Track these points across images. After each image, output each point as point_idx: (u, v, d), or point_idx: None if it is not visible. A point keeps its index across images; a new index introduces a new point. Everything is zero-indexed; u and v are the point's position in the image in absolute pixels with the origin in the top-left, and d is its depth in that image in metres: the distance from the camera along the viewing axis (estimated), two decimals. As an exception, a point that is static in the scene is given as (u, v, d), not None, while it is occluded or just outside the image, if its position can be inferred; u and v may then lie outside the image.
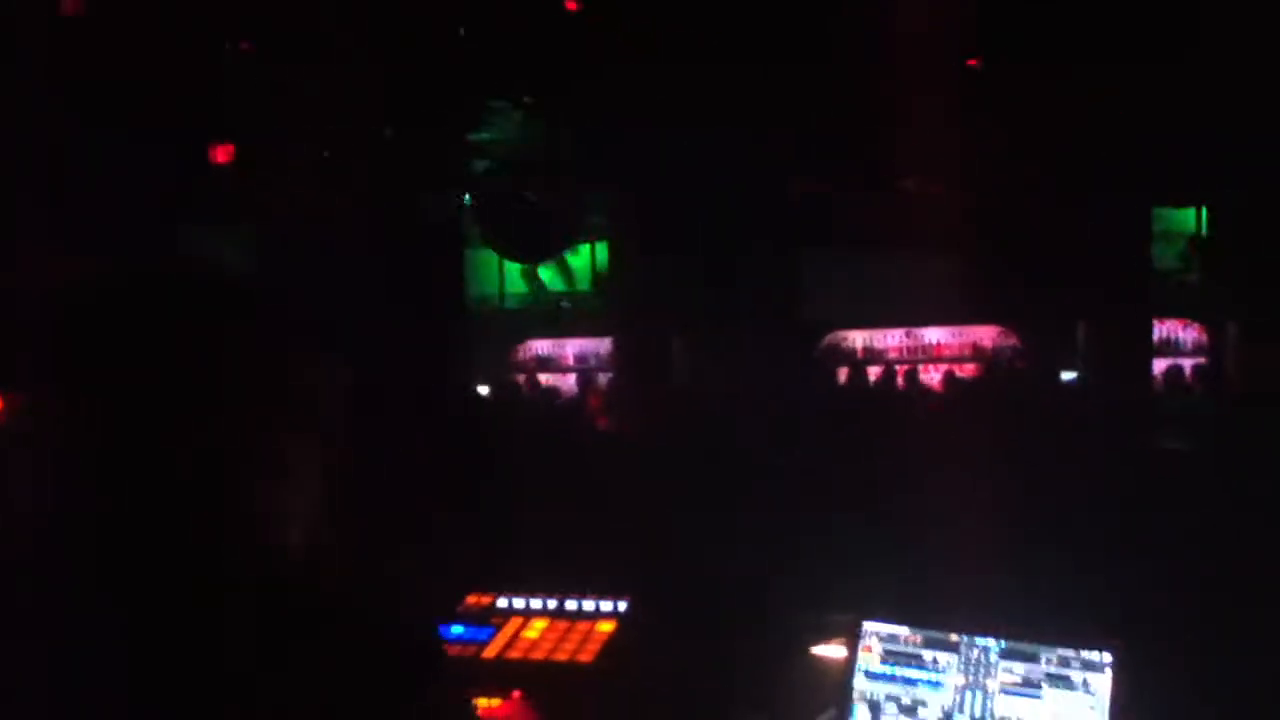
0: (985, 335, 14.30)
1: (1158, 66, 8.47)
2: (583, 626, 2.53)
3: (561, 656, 2.43)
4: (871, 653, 2.31)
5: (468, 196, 10.92)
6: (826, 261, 13.15)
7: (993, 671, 2.20)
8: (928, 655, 2.26)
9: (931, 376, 13.62)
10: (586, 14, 8.02)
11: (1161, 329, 13.67)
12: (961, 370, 13.42)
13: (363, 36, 7.80)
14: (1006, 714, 2.16)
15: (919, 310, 13.93)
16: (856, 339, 14.56)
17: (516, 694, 2.29)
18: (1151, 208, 13.04)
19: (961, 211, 10.98)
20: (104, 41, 7.01)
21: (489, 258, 14.05)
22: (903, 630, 2.30)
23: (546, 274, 15.70)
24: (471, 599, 2.70)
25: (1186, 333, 14.07)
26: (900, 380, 11.88)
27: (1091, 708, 2.09)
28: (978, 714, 2.18)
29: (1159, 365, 12.47)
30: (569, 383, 14.10)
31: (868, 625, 2.33)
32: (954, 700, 2.21)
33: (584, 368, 14.50)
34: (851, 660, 2.31)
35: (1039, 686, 2.15)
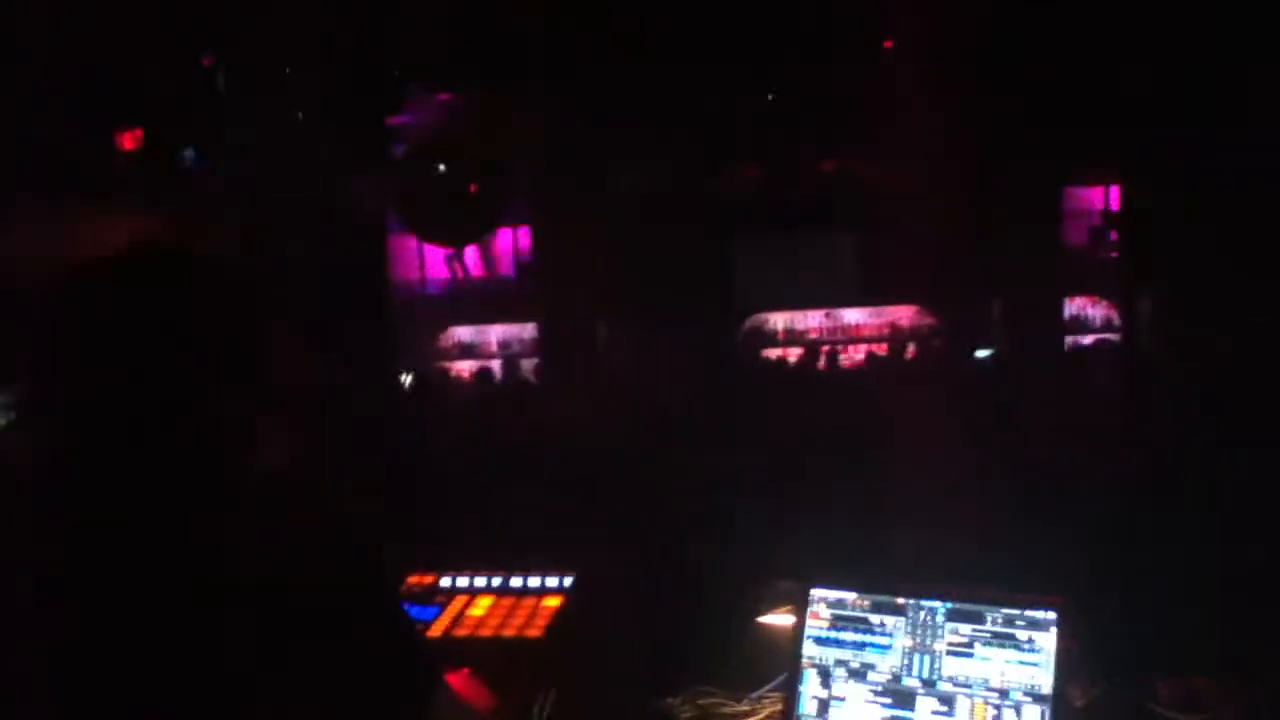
0: (903, 315, 14.53)
1: (1066, 46, 8.67)
2: (529, 602, 2.50)
3: (509, 633, 2.41)
4: (819, 618, 2.32)
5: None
6: (750, 245, 13.24)
7: (940, 633, 2.23)
8: (875, 619, 2.28)
9: (851, 356, 13.81)
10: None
11: (1072, 306, 14.04)
12: (881, 350, 13.63)
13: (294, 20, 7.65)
14: (954, 674, 2.19)
15: (838, 291, 14.10)
16: (778, 320, 14.69)
17: (465, 670, 2.26)
18: (1063, 187, 13.39)
19: (879, 192, 11.12)
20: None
21: (409, 242, 13.86)
22: (849, 595, 2.32)
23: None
24: (413, 579, 2.65)
25: (1096, 310, 14.47)
26: (822, 361, 12.02)
27: (1038, 665, 2.12)
28: (926, 675, 2.21)
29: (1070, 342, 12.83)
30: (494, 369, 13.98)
31: (815, 591, 2.34)
32: (902, 662, 2.24)
33: (508, 354, 14.40)
34: (800, 627, 2.32)
35: (986, 646, 2.18)
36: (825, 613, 2.32)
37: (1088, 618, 2.08)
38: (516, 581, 2.58)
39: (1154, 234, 10.38)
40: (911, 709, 2.19)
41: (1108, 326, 14.19)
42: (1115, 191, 13.22)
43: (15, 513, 1.18)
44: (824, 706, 2.25)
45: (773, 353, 13.53)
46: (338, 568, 1.18)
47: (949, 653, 2.21)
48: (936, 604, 2.24)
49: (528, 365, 13.61)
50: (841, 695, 2.26)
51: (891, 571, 2.32)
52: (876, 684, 2.24)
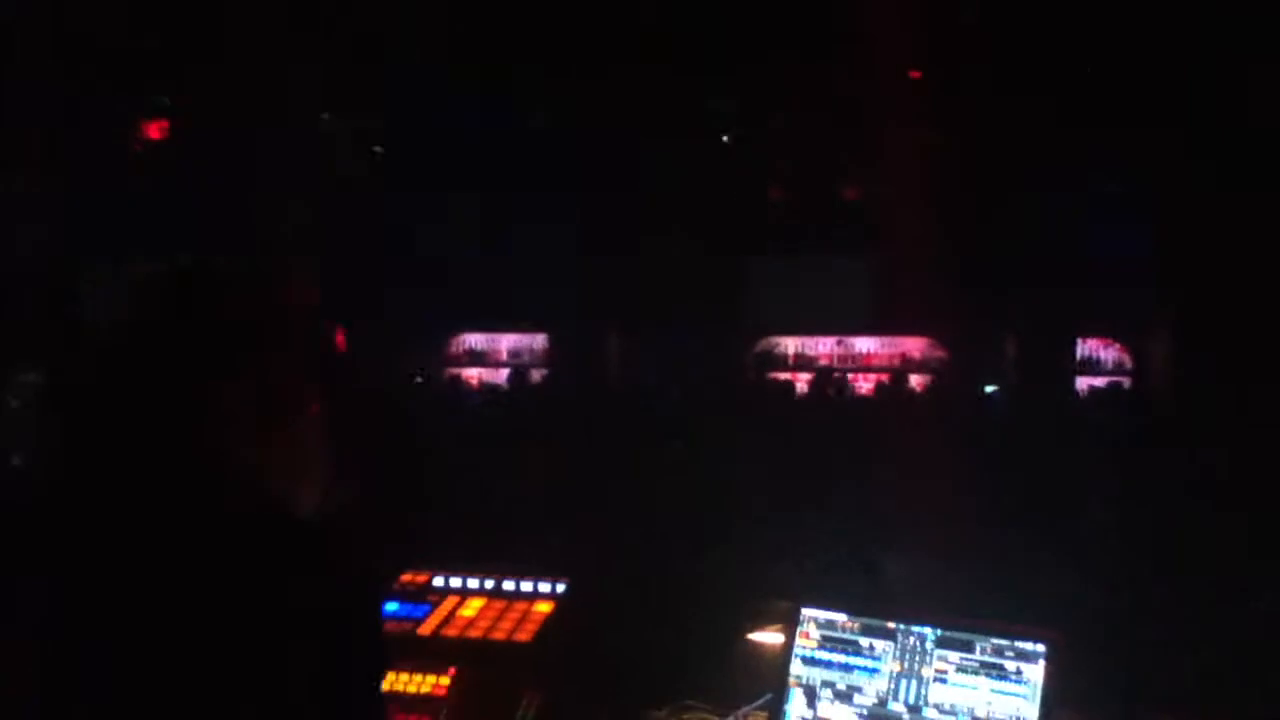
0: (915, 347, 14.50)
1: (1089, 89, 8.69)
2: (520, 606, 2.50)
3: (499, 635, 2.41)
4: (809, 638, 2.32)
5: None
6: (765, 267, 13.26)
7: (928, 659, 2.22)
8: (864, 642, 2.28)
9: (860, 385, 13.78)
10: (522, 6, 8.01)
11: (1084, 348, 13.98)
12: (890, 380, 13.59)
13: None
14: (941, 701, 2.18)
15: (851, 319, 14.08)
16: (789, 344, 14.67)
17: (452, 671, 2.26)
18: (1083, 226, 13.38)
19: (897, 224, 11.14)
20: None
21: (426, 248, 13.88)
22: (840, 617, 2.31)
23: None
24: (406, 576, 2.66)
25: (1108, 352, 14.41)
26: (829, 388, 12.00)
27: (1024, 696, 2.12)
28: (912, 700, 2.20)
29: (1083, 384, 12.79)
30: (501, 378, 14.00)
31: (806, 611, 2.34)
32: (889, 686, 2.23)
33: (518, 363, 14.40)
34: (789, 646, 2.31)
35: (973, 674, 2.17)
36: (815, 633, 2.32)
37: (1076, 651, 2.08)
38: (509, 585, 2.58)
39: (1171, 276, 10.36)
40: (896, 734, 2.19)
41: (1119, 369, 14.12)
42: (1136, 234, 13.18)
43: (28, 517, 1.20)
44: (808, 726, 2.25)
45: (782, 376, 13.52)
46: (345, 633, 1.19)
47: (936, 679, 2.20)
48: (926, 630, 2.24)
49: (537, 376, 13.61)
50: (827, 717, 2.25)
51: (883, 595, 2.32)
52: (862, 707, 2.23)
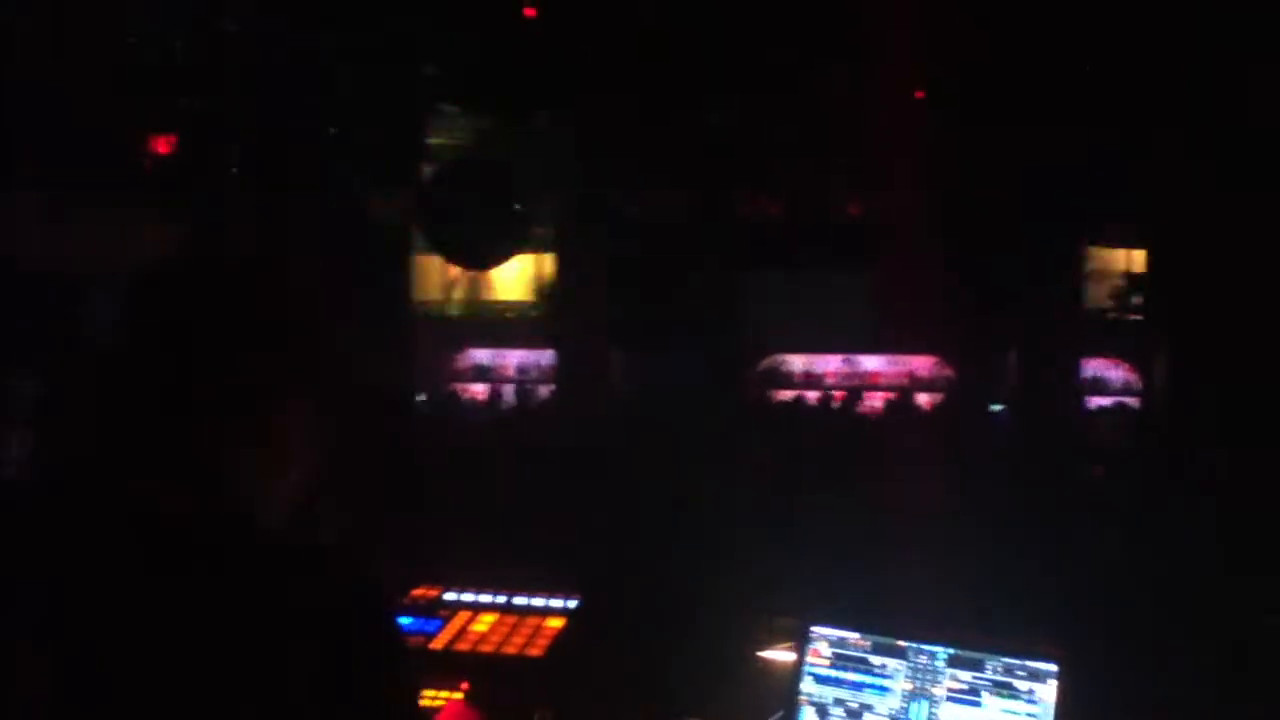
0: (921, 365, 14.52)
1: (1098, 109, 8.71)
2: (532, 622, 2.51)
3: (510, 650, 2.41)
4: (819, 656, 2.32)
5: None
6: (771, 285, 13.28)
7: (939, 678, 2.22)
8: (875, 660, 2.28)
9: (870, 403, 13.80)
10: (544, 22, 8.04)
11: (1089, 368, 13.99)
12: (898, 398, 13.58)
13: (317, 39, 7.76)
14: (952, 720, 2.18)
15: (859, 337, 14.11)
16: (796, 362, 14.69)
17: (464, 685, 2.27)
18: (1085, 246, 13.41)
19: (903, 244, 11.16)
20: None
21: (434, 264, 13.92)
22: (851, 635, 2.31)
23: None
24: (418, 591, 2.66)
25: (1115, 372, 14.41)
26: (836, 405, 12.02)
27: (1036, 716, 2.12)
28: (924, 719, 2.21)
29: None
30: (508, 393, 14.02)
31: (816, 629, 2.34)
32: (900, 706, 2.23)
33: (524, 379, 14.42)
34: (799, 664, 2.32)
35: (985, 694, 2.17)
36: (826, 651, 2.32)
37: (1089, 668, 2.08)
38: (521, 600, 2.59)
39: (1177, 298, 10.36)
40: (907, 753, 2.19)
41: (1126, 389, 14.12)
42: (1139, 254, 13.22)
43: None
44: (819, 745, 2.25)
45: (789, 394, 13.53)
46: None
47: (948, 699, 2.20)
48: (938, 649, 2.24)
49: (543, 391, 13.63)
50: (837, 734, 2.25)
51: (894, 613, 2.32)
52: (873, 725, 2.23)
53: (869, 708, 2.25)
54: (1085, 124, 8.89)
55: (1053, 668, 2.13)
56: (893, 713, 2.23)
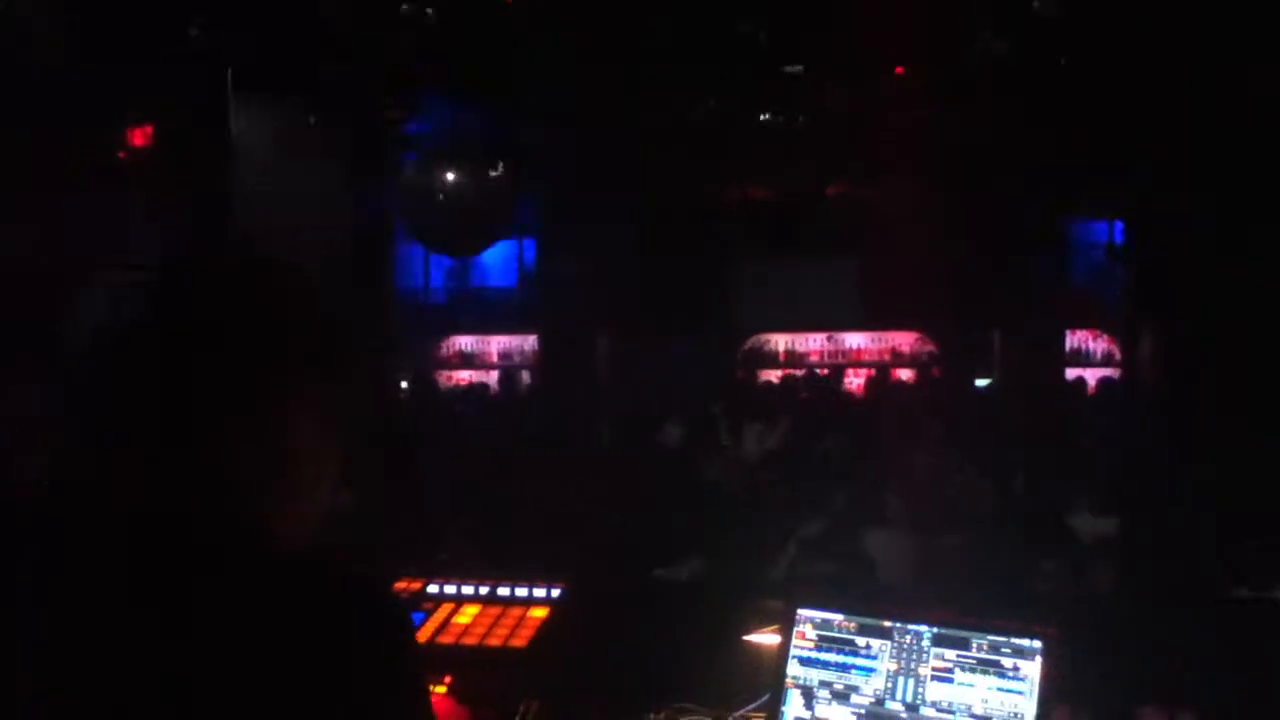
0: (905, 341, 14.53)
1: (1081, 81, 8.71)
2: (515, 612, 2.49)
3: (494, 642, 2.40)
4: (805, 639, 2.31)
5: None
6: (753, 265, 13.27)
7: (925, 657, 2.22)
8: (861, 641, 2.28)
9: (851, 381, 13.83)
10: (524, 6, 7.99)
11: (1073, 339, 14.04)
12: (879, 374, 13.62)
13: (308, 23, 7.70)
14: (938, 699, 2.18)
15: (841, 315, 14.11)
16: (779, 342, 14.69)
17: (448, 679, 2.25)
18: (1068, 220, 13.43)
19: (883, 219, 11.16)
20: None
21: (415, 250, 13.87)
22: (836, 616, 2.31)
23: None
24: (401, 584, 2.65)
25: (1097, 344, 14.45)
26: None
27: (1022, 693, 2.12)
28: (909, 699, 2.20)
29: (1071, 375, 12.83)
30: (492, 379, 13.97)
31: (802, 611, 2.33)
32: (886, 685, 2.23)
33: (508, 365, 14.38)
34: (785, 646, 2.31)
35: (970, 672, 2.17)
36: (811, 633, 2.31)
37: (1073, 646, 2.08)
38: (504, 590, 2.57)
39: (1159, 269, 10.40)
40: (894, 733, 2.19)
41: (1108, 361, 14.17)
42: (1120, 225, 13.25)
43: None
44: (806, 727, 2.25)
45: (773, 374, 13.53)
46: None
47: (934, 677, 2.20)
48: (923, 628, 2.24)
49: (527, 377, 13.60)
50: (825, 717, 2.25)
51: (879, 594, 2.31)
52: (860, 706, 2.23)
53: (855, 689, 2.25)
54: (1065, 105, 8.90)
55: (1037, 645, 2.13)
56: (878, 693, 2.23)
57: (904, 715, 2.19)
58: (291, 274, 1.28)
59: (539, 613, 2.48)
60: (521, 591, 2.55)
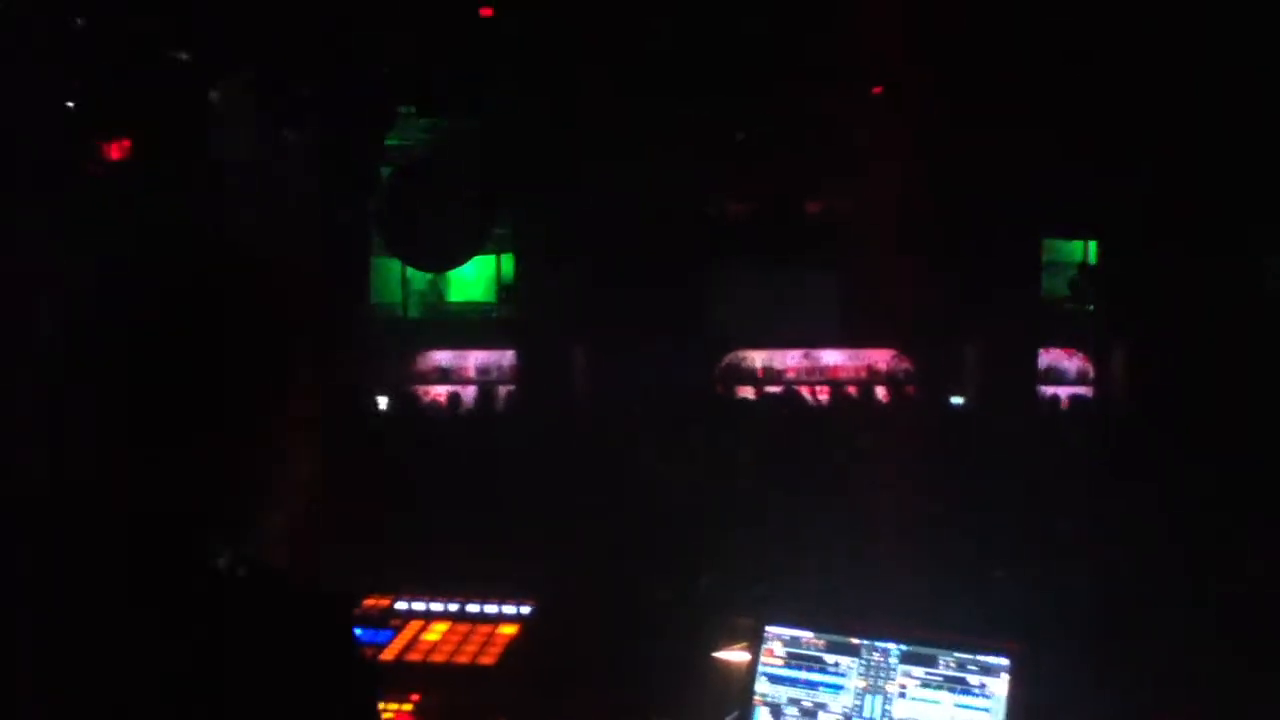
0: (880, 358, 14.61)
1: (1051, 101, 8.80)
2: (484, 629, 2.48)
3: (463, 659, 2.39)
4: (774, 656, 2.31)
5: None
6: (730, 281, 13.32)
7: (893, 674, 2.22)
8: (829, 658, 2.28)
9: (817, 398, 13.88)
10: (500, 21, 8.00)
11: (1046, 358, 14.14)
12: (854, 392, 13.67)
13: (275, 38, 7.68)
14: (905, 716, 2.18)
15: (817, 332, 14.18)
16: (756, 358, 14.74)
17: (415, 697, 2.24)
18: (1041, 239, 13.55)
19: (860, 237, 11.23)
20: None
21: (393, 265, 13.85)
22: (805, 634, 2.31)
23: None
24: (369, 601, 2.63)
25: (1071, 362, 14.56)
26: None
27: (988, 710, 2.12)
28: (877, 716, 2.21)
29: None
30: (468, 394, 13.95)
31: (770, 629, 2.33)
32: (854, 703, 2.23)
33: (485, 380, 14.35)
34: (754, 663, 2.31)
35: (937, 689, 2.18)
36: (780, 650, 2.31)
37: (1041, 662, 2.09)
38: (473, 607, 2.56)
39: (1131, 289, 10.50)
40: (861, 750, 2.19)
41: (1082, 379, 14.28)
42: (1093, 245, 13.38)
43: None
44: (774, 745, 2.24)
45: (749, 391, 13.56)
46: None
47: (901, 695, 2.20)
48: (891, 645, 2.24)
49: (504, 392, 13.57)
50: (792, 734, 2.25)
51: (848, 611, 2.32)
52: (828, 724, 2.23)
53: (823, 706, 2.25)
54: (1040, 123, 8.98)
55: (1004, 662, 2.14)
56: (846, 710, 2.23)
57: (872, 732, 2.19)
58: (289, 274, 1.27)
59: (508, 630, 2.48)
60: (491, 609, 2.54)
